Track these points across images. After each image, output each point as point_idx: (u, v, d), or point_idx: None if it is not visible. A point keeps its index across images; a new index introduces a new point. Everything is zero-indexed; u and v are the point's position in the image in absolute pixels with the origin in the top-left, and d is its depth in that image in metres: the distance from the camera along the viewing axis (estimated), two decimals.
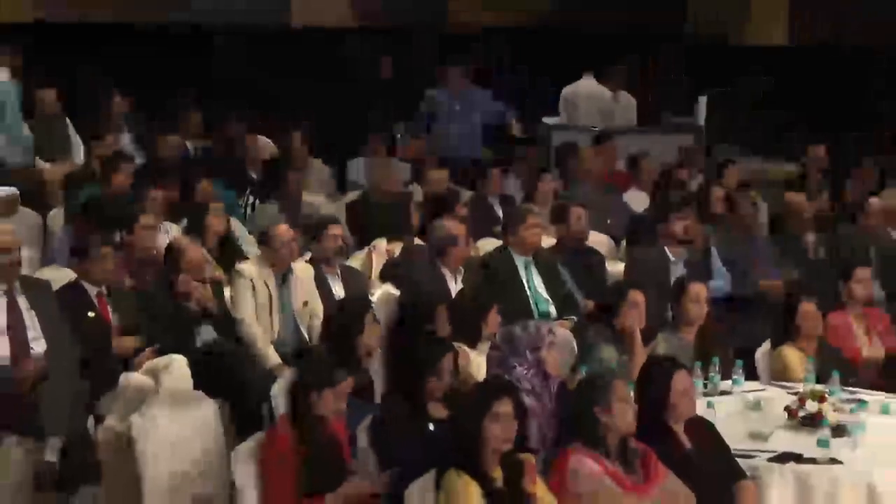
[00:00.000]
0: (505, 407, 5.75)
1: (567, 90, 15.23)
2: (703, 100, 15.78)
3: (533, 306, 9.35)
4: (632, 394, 6.31)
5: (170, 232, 9.90)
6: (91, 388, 7.77)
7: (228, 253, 9.61)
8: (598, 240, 10.96)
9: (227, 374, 7.97)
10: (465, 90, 14.54)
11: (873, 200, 11.20)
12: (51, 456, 7.48)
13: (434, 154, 13.29)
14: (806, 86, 15.90)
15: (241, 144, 13.01)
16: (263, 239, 8.95)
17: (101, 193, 10.46)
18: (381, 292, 8.91)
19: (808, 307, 8.05)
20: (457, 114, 14.43)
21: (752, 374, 7.92)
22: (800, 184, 12.40)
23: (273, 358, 8.36)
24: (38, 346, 7.74)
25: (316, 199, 11.87)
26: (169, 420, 6.68)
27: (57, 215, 10.72)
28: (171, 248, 8.62)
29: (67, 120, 12.92)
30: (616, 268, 10.41)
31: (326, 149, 13.95)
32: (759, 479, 6.25)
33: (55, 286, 8.26)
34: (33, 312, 7.80)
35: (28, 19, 16.45)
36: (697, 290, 8.29)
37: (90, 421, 7.75)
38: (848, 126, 14.40)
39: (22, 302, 7.80)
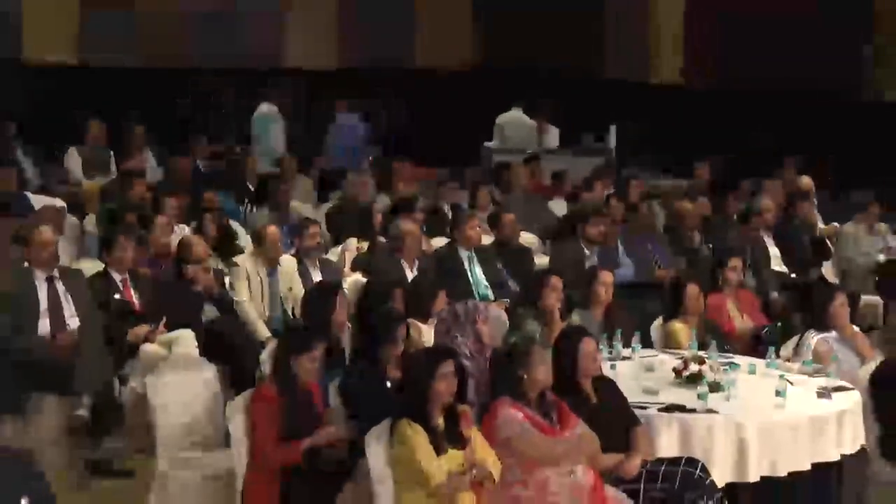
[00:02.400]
0: (448, 368, 5.72)
1: (499, 119, 15.43)
2: (613, 128, 15.81)
3: (475, 290, 9.36)
4: (549, 358, 6.31)
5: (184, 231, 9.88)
6: (116, 356, 7.73)
7: (228, 248, 9.58)
8: (528, 238, 11.01)
9: (226, 344, 7.97)
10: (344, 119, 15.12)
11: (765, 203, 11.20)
12: (83, 411, 7.46)
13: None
14: (696, 118, 15.97)
15: (242, 163, 13.01)
16: (256, 237, 8.93)
17: (121, 202, 10.45)
18: (352, 280, 8.94)
19: (692, 289, 8.05)
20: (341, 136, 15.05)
21: (647, 343, 7.90)
22: (689, 194, 12.40)
23: (264, 332, 8.35)
24: (73, 322, 7.72)
25: (301, 207, 11.80)
26: (177, 380, 6.61)
27: (91, 219, 10.64)
28: (182, 244, 8.58)
29: (110, 149, 13.00)
30: (542, 260, 10.45)
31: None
32: (651, 425, 6.22)
33: (88, 275, 8.23)
34: (69, 295, 7.78)
35: (74, 62, 16.42)
36: (605, 276, 8.29)
37: (116, 382, 7.73)
38: (727, 151, 14.44)
39: (59, 287, 7.78)
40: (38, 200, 10.57)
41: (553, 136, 15.82)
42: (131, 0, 17.01)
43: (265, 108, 15.21)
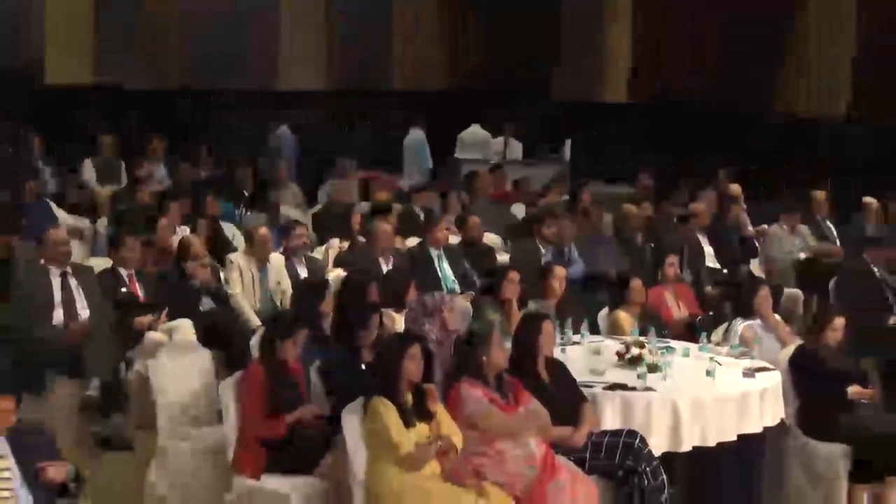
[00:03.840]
0: (416, 351, 5.69)
1: (461, 134, 15.51)
2: (568, 141, 15.81)
3: (443, 284, 9.31)
4: (507, 344, 6.29)
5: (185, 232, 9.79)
6: (123, 342, 7.66)
7: (224, 247, 9.53)
8: (491, 238, 10.95)
9: (221, 332, 7.90)
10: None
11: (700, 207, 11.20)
12: (92, 391, 7.40)
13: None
14: (640, 132, 15.98)
15: (240, 172, 12.95)
16: (248, 237, 8.87)
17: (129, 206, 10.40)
18: (334, 275, 8.86)
19: (635, 283, 8.03)
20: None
21: (595, 330, 7.87)
22: (633, 200, 12.39)
23: (255, 321, 8.27)
24: (84, 313, 7.66)
25: (291, 211, 11.74)
26: (175, 364, 6.55)
27: (103, 222, 10.57)
28: (182, 243, 8.51)
29: (121, 159, 12.95)
30: (504, 258, 10.38)
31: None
32: (596, 402, 6.19)
33: (98, 271, 8.17)
34: (80, 289, 7.73)
35: (89, 83, 16.34)
36: (559, 271, 8.27)
37: (122, 366, 7.66)
38: (667, 161, 14.46)
39: (72, 281, 7.75)
40: (63, 217, 10.60)
41: (516, 149, 15.87)
42: (140, 28, 16.93)
43: (416, 132, 15.28)
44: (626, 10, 17.47)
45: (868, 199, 11.51)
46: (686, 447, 6.17)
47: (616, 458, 5.87)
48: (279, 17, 17.64)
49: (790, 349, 6.96)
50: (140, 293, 8.09)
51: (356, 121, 17.12)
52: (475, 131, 15.74)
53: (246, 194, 12.07)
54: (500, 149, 15.45)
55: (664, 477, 5.86)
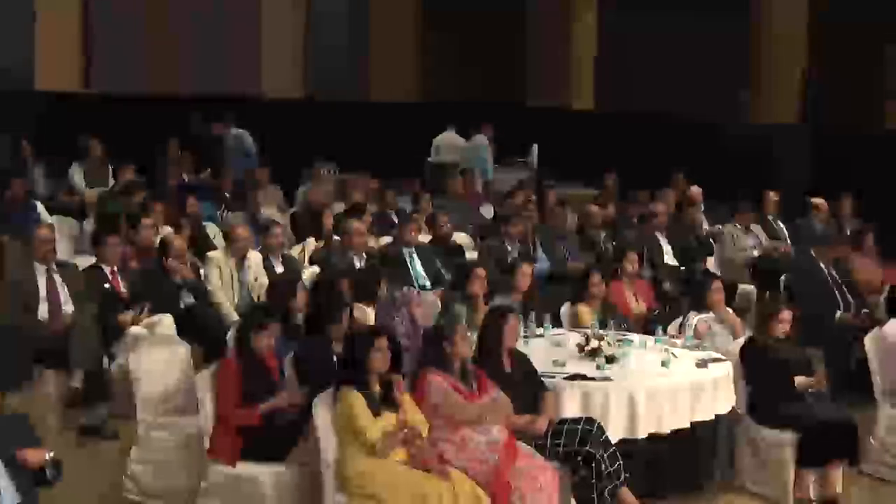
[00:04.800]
0: (382, 343, 5.67)
1: (435, 139, 15.49)
2: (535, 146, 15.82)
3: (415, 281, 9.28)
4: (472, 336, 6.27)
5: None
6: (105, 336, 7.59)
7: (205, 246, 9.46)
8: (461, 238, 10.92)
9: (200, 326, 7.83)
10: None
11: (659, 207, 11.21)
12: (75, 383, 7.33)
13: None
14: (604, 137, 15.99)
15: (222, 175, 12.90)
16: (226, 236, 8.81)
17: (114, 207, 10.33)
18: (310, 272, 8.82)
19: (595, 278, 8.00)
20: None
21: (558, 323, 7.85)
22: (596, 201, 12.39)
23: (233, 316, 8.18)
24: (68, 307, 7.59)
25: (271, 212, 11.69)
26: (155, 357, 6.49)
27: (90, 222, 10.48)
28: (163, 241, 8.44)
29: (108, 162, 12.86)
30: (473, 255, 10.35)
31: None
32: (557, 391, 6.17)
33: (82, 268, 8.10)
34: (65, 285, 7.67)
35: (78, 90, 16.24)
36: (526, 268, 8.25)
37: (105, 359, 7.59)
38: (629, 165, 14.44)
39: (57, 277, 7.70)
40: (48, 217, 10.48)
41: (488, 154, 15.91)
42: (130, 39, 16.84)
43: (479, 137, 15.12)
44: (590, 24, 17.50)
45: (817, 200, 11.54)
46: (642, 434, 6.17)
47: (575, 444, 5.85)
48: (259, 26, 17.57)
49: (741, 341, 6.96)
50: (122, 289, 8.01)
51: (333, 127, 17.04)
52: (450, 136, 15.78)
53: (227, 196, 12.00)
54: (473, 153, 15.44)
55: (621, 462, 5.85)
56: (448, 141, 15.50)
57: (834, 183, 12.35)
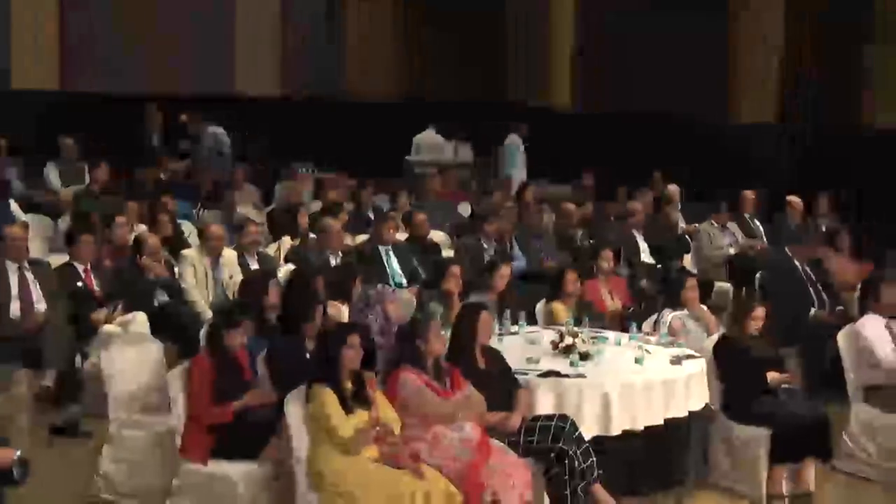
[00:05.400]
0: (355, 340, 5.65)
1: (416, 138, 15.47)
2: None
3: (391, 279, 9.28)
4: (446, 334, 6.26)
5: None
6: (79, 334, 7.56)
7: (178, 243, 9.43)
8: (438, 236, 10.92)
9: (175, 324, 7.81)
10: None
11: (637, 206, 11.23)
12: (48, 382, 7.30)
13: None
14: (584, 136, 15.98)
15: (198, 173, 12.88)
16: (201, 234, 8.79)
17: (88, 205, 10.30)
18: (285, 269, 8.79)
19: (570, 276, 8.02)
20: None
21: (533, 321, 7.86)
22: (574, 199, 12.40)
23: (208, 314, 8.15)
24: (41, 305, 7.54)
25: (247, 210, 11.65)
26: (127, 355, 6.45)
27: (65, 220, 10.43)
28: (137, 239, 8.42)
29: (83, 161, 12.78)
30: (450, 254, 10.35)
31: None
32: (531, 388, 6.17)
33: (55, 265, 8.06)
34: (37, 282, 7.64)
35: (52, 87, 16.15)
36: (504, 269, 8.26)
37: (78, 357, 7.55)
38: (608, 164, 14.48)
39: (29, 275, 7.67)
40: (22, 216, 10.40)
41: (467, 152, 15.91)
42: (106, 38, 16.74)
43: (513, 137, 15.03)
44: (568, 22, 17.52)
45: (792, 198, 11.59)
46: (616, 431, 6.17)
47: (548, 440, 5.84)
48: (235, 25, 17.52)
49: (715, 338, 6.97)
50: (96, 287, 7.98)
51: (310, 126, 16.99)
52: (430, 135, 15.79)
53: (203, 194, 11.96)
54: (452, 152, 15.47)
55: (594, 459, 5.85)
56: (428, 140, 15.52)
57: (811, 181, 12.42)
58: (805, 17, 14.67)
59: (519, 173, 14.81)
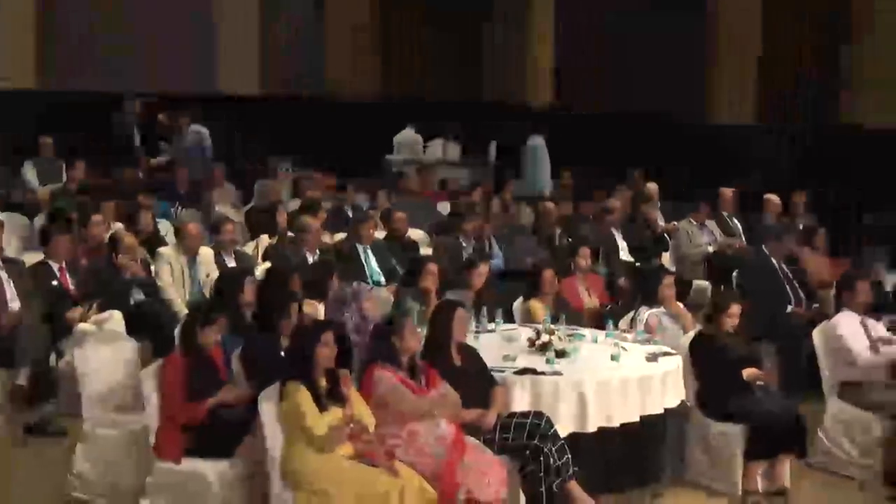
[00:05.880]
0: (329, 337, 5.62)
1: (396, 137, 15.48)
2: (493, 144, 15.82)
3: (369, 277, 9.27)
4: (423, 331, 6.24)
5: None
6: (53, 333, 7.50)
7: (154, 241, 9.39)
8: (416, 234, 10.90)
9: (151, 322, 7.76)
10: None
11: (615, 204, 11.24)
12: (21, 380, 7.24)
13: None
14: (563, 134, 15.98)
15: (177, 173, 12.82)
16: (177, 232, 8.75)
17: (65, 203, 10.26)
18: (263, 268, 8.76)
19: (548, 274, 8.00)
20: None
21: (510, 319, 7.84)
22: (553, 198, 12.40)
23: (184, 312, 8.06)
24: (15, 304, 7.49)
25: (226, 209, 11.62)
26: (101, 353, 6.41)
27: (41, 218, 10.38)
28: (113, 238, 8.37)
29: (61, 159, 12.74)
30: (428, 252, 10.34)
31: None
32: (507, 385, 6.15)
33: (30, 264, 8.01)
34: (10, 281, 7.56)
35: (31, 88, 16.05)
36: (483, 267, 8.24)
37: (53, 356, 7.50)
38: (587, 162, 14.50)
39: (3, 274, 7.62)
40: None
41: (454, 151, 15.95)
42: (84, 37, 16.65)
43: (535, 139, 14.86)
44: (548, 22, 17.53)
45: (770, 196, 11.62)
46: (592, 428, 6.15)
47: (523, 438, 5.82)
48: (215, 24, 17.46)
49: (691, 335, 6.97)
50: (71, 285, 7.93)
51: (290, 124, 16.95)
52: (409, 134, 15.81)
53: (182, 193, 11.93)
54: (439, 151, 15.50)
55: (569, 456, 5.83)
56: (408, 139, 15.52)
57: (790, 179, 12.45)
58: (781, 17, 14.71)
59: (543, 174, 14.75)
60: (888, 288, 9.31)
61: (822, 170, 13.09)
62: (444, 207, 12.41)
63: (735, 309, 6.73)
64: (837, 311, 7.39)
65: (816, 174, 12.90)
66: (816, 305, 8.86)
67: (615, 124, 15.51)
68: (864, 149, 13.02)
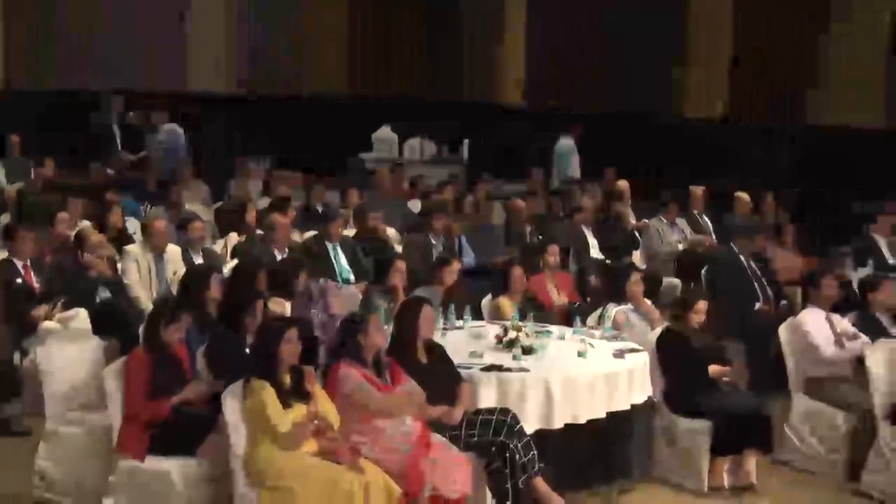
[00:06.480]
0: (293, 334, 5.59)
1: (373, 136, 15.46)
2: (466, 142, 15.82)
3: (339, 275, 9.23)
4: (388, 328, 6.22)
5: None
6: (18, 332, 7.43)
7: (123, 239, 9.32)
8: (388, 232, 10.87)
9: (117, 320, 7.68)
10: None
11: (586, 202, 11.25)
12: None
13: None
14: (533, 134, 16.01)
15: (146, 171, 12.78)
16: (144, 229, 8.69)
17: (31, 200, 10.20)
18: (231, 265, 8.70)
19: (516, 271, 7.98)
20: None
21: (479, 316, 7.82)
22: (523, 196, 12.39)
23: (149, 308, 8.07)
24: None
25: (195, 207, 11.55)
26: (64, 351, 6.34)
27: (6, 216, 10.30)
28: (79, 235, 8.31)
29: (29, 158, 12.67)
30: (398, 249, 10.32)
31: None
32: (473, 382, 6.13)
33: None
34: None
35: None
36: (454, 265, 8.23)
37: (17, 355, 7.43)
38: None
39: None
40: None
41: (431, 149, 15.96)
42: (51, 35, 16.52)
43: (566, 140, 14.80)
44: (520, 20, 17.53)
45: (739, 193, 11.66)
46: (558, 424, 6.15)
47: (489, 434, 5.80)
48: (187, 22, 17.38)
49: (658, 331, 6.98)
50: (35, 283, 7.86)
51: (262, 123, 16.89)
52: (384, 132, 15.82)
53: (152, 191, 11.86)
54: (416, 149, 15.51)
55: (535, 452, 5.81)
56: (384, 137, 15.55)
57: (763, 178, 12.50)
58: (755, 9, 14.75)
59: (573, 174, 14.67)
60: (854, 285, 9.36)
61: (792, 168, 13.15)
62: (416, 206, 12.39)
63: (702, 306, 6.74)
64: (803, 307, 7.41)
65: (789, 172, 12.96)
66: (784, 303, 8.89)
67: (587, 122, 15.53)
68: (839, 147, 13.08)
